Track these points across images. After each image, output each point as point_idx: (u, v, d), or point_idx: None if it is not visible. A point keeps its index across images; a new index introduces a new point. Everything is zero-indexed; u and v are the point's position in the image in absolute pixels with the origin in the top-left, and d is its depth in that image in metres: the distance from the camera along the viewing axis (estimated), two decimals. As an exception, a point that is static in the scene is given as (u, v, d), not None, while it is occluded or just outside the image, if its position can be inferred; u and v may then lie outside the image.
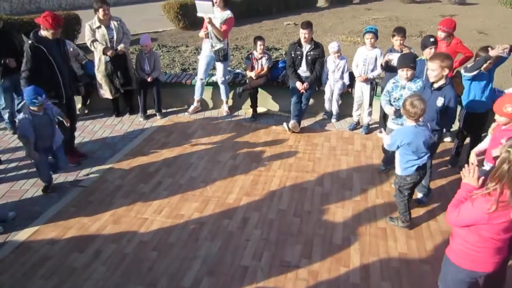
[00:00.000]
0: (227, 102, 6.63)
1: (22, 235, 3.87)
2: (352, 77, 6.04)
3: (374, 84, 5.78)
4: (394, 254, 3.57)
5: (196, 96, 6.61)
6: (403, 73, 4.29)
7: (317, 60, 5.87)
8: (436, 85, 3.90)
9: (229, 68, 7.44)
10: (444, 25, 5.12)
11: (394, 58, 5.04)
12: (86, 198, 4.43)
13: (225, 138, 5.76)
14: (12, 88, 5.78)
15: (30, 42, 4.54)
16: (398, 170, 3.75)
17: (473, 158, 3.55)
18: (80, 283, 3.31)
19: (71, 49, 6.12)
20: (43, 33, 4.59)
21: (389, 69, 5.16)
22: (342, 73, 6.01)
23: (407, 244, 3.68)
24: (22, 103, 5.99)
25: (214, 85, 6.62)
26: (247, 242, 3.73)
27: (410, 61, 4.29)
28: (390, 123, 4.56)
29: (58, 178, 4.83)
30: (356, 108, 5.95)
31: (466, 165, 2.49)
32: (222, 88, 6.48)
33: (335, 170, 4.90)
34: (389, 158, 4.70)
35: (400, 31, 5.20)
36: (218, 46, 6.15)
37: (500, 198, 2.14)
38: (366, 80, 5.62)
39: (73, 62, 6.07)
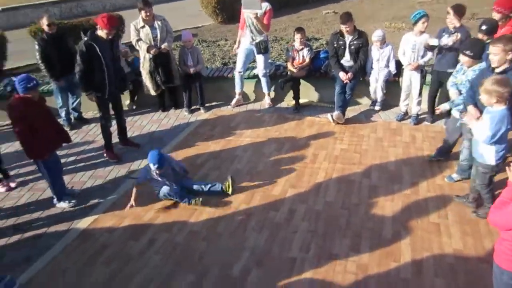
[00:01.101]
0: (269, 95, 6.65)
1: (83, 224, 4.15)
2: (399, 65, 5.86)
3: (424, 72, 5.56)
4: (449, 250, 3.46)
5: (237, 89, 6.68)
6: (461, 58, 4.13)
7: (361, 49, 5.72)
8: (498, 70, 3.67)
9: (270, 60, 7.45)
10: (499, 5, 4.81)
11: (434, 43, 4.96)
12: (138, 190, 4.62)
13: (268, 131, 5.79)
14: (67, 88, 6.12)
15: (85, 39, 4.80)
16: (492, 160, 3.51)
17: None
18: (137, 270, 3.49)
19: (122, 50, 6.37)
20: (99, 32, 4.83)
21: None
22: (388, 61, 5.83)
23: (462, 241, 3.55)
24: (77, 101, 6.36)
25: (256, 78, 6.65)
26: (294, 234, 3.76)
27: (467, 47, 4.07)
28: (454, 112, 4.35)
29: (113, 170, 5.09)
30: (404, 98, 5.77)
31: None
32: (263, 80, 6.50)
33: (383, 162, 4.80)
34: (446, 149, 4.52)
35: (458, 9, 4.89)
36: (259, 38, 6.16)
37: None
38: (417, 68, 5.42)
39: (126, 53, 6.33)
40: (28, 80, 3.97)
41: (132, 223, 4.09)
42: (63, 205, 4.43)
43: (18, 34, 11.00)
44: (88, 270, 3.54)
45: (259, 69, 6.45)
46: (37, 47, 5.71)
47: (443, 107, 4.49)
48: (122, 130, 5.57)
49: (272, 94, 6.73)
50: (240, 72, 6.51)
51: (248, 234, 3.81)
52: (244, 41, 6.36)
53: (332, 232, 3.75)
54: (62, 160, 5.26)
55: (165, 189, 4.24)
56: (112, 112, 5.38)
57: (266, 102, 6.65)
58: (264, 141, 5.51)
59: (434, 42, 5.03)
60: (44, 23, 5.72)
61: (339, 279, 3.25)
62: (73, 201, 4.45)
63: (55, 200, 4.46)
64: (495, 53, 3.58)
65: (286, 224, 3.90)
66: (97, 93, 5.03)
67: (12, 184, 4.97)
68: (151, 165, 4.10)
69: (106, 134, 5.31)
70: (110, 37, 4.87)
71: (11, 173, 5.14)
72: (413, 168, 4.65)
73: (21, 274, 3.55)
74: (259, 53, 6.28)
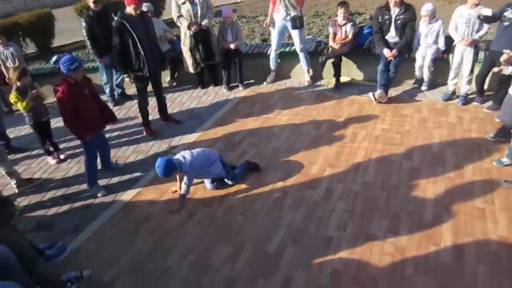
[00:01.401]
0: (308, 71, 6.52)
1: (127, 196, 4.35)
2: (448, 41, 5.53)
3: (478, 49, 5.23)
4: (493, 236, 3.34)
5: (272, 67, 6.62)
6: None
7: (408, 24, 5.44)
8: None
9: (310, 36, 7.29)
10: None
11: (487, 13, 4.68)
12: (179, 164, 4.77)
13: (307, 109, 5.73)
14: (111, 65, 6.30)
15: (116, 18, 4.88)
16: None
17: None
18: (177, 241, 3.64)
19: (161, 27, 6.45)
20: (128, 9, 4.86)
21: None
22: (437, 37, 5.53)
23: (508, 228, 3.41)
24: (121, 77, 6.55)
25: (295, 54, 6.51)
26: (331, 213, 3.76)
27: None
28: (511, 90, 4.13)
29: (154, 145, 5.25)
30: (452, 76, 5.47)
31: None
32: (301, 56, 6.36)
33: (426, 143, 4.63)
34: (506, 130, 4.31)
35: None
36: (293, 13, 5.99)
37: None
38: (471, 44, 5.11)
39: (163, 36, 6.41)
40: (71, 61, 3.99)
41: (173, 197, 4.23)
42: (94, 191, 4.48)
43: (65, 12, 11.41)
44: (132, 239, 3.74)
45: (296, 45, 6.31)
46: (84, 24, 5.88)
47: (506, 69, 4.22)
48: (162, 106, 5.69)
49: (311, 71, 6.61)
50: (276, 50, 6.44)
51: (284, 212, 3.85)
52: (277, 16, 6.19)
53: (370, 213, 3.70)
54: (107, 135, 5.49)
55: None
56: (151, 89, 5.47)
57: (306, 79, 6.54)
58: (302, 119, 5.46)
59: (487, 12, 4.71)
60: (90, 0, 5.86)
61: (375, 259, 3.23)
62: (102, 191, 4.44)
63: (86, 185, 4.55)
64: None
65: (323, 203, 3.90)
66: (137, 72, 5.09)
67: (62, 157, 5.27)
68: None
69: (143, 111, 5.44)
70: (138, 12, 4.88)
71: (61, 146, 5.43)
72: (458, 151, 4.45)
73: (70, 241, 3.81)
74: (294, 28, 6.12)
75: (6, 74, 6.11)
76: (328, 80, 6.50)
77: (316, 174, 4.33)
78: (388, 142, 4.74)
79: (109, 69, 6.37)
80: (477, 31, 5.06)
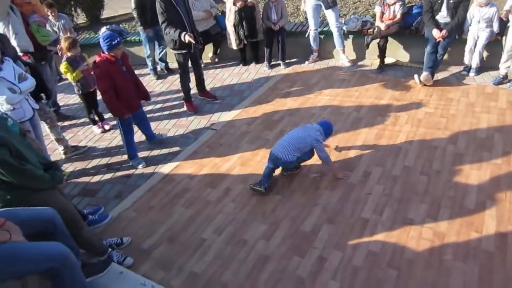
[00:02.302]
0: (343, 52, 6.37)
1: (166, 168, 4.49)
2: (502, 23, 5.19)
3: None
4: (540, 226, 3.19)
5: (314, 46, 6.53)
6: None
7: (461, 4, 5.15)
8: None
9: (356, 15, 7.08)
10: None
11: None
12: (217, 141, 4.85)
13: (348, 89, 5.61)
14: (155, 38, 6.43)
15: None
16: None
17: None
18: (213, 215, 3.73)
19: (208, 2, 6.47)
20: None
21: None
22: (490, 21, 5.19)
23: (557, 218, 3.24)
24: (163, 51, 6.67)
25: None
26: (368, 196, 3.70)
27: None
28: None
29: (194, 120, 5.36)
30: (505, 59, 5.15)
31: None
32: (336, 36, 6.22)
33: (473, 128, 4.43)
34: None
35: None
36: None
37: None
38: None
39: (208, 11, 6.43)
40: (112, 38, 3.99)
41: (211, 172, 4.32)
42: (134, 164, 4.61)
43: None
44: (171, 209, 3.88)
45: (331, 24, 6.19)
46: None
47: None
48: (200, 80, 5.76)
49: (350, 52, 6.45)
50: (315, 29, 6.32)
51: (320, 192, 3.83)
52: None
53: (409, 198, 3.62)
54: (149, 108, 5.66)
55: None
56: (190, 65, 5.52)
57: (342, 60, 6.39)
58: (343, 100, 5.36)
59: None
60: None
61: (413, 244, 3.17)
62: (142, 163, 4.57)
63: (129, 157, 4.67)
64: None
65: (361, 186, 3.84)
66: (182, 50, 5.15)
67: (106, 127, 5.50)
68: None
69: (185, 86, 5.53)
70: None
71: (106, 116, 5.63)
72: (507, 137, 4.22)
73: (113, 207, 4.00)
74: (327, 8, 6.02)
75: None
76: (371, 61, 6.32)
77: (354, 156, 4.26)
78: (431, 126, 4.57)
79: (152, 42, 6.50)
80: None
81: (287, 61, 6.65)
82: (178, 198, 4.01)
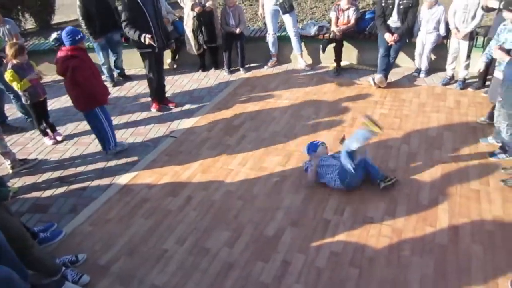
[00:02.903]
0: (301, 56, 6.48)
1: (124, 179, 4.35)
2: (448, 27, 5.48)
3: (474, 34, 5.20)
4: (488, 217, 3.35)
5: (273, 51, 6.60)
6: (505, 15, 3.88)
7: (410, 9, 5.38)
8: None
9: (313, 21, 7.22)
10: None
11: (495, 5, 4.55)
12: (177, 148, 4.77)
13: (307, 93, 5.70)
14: (107, 45, 6.25)
15: None
16: None
17: None
18: (174, 225, 3.65)
19: (164, 8, 6.38)
20: None
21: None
22: (438, 23, 5.46)
23: (503, 208, 3.42)
24: (119, 59, 6.50)
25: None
26: (329, 197, 3.76)
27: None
28: (497, 73, 4.13)
29: (153, 128, 5.25)
30: (450, 61, 5.45)
31: None
32: (293, 40, 6.32)
33: (424, 128, 4.62)
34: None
35: None
36: None
37: None
38: (465, 37, 5.12)
39: (165, 18, 6.33)
40: (75, 33, 4.04)
41: (171, 181, 4.23)
42: (117, 148, 4.72)
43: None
44: (129, 222, 3.74)
45: (289, 29, 6.30)
46: (78, 3, 5.81)
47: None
48: (160, 87, 5.66)
49: (307, 57, 6.58)
50: (274, 34, 6.39)
51: (283, 196, 3.85)
52: (268, 2, 6.18)
53: (368, 197, 3.71)
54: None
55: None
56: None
57: (300, 63, 6.50)
58: (302, 103, 5.44)
59: (494, 4, 4.61)
60: None
61: (373, 242, 3.25)
62: (124, 144, 4.76)
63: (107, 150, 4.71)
64: None
65: (322, 187, 3.89)
66: (146, 49, 5.07)
67: (59, 138, 5.23)
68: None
69: (152, 86, 5.47)
70: None
71: (58, 127, 5.40)
72: (456, 135, 4.45)
73: (67, 223, 3.81)
74: (284, 13, 6.11)
75: None
76: (328, 64, 6.46)
77: (314, 158, 4.33)
78: (386, 126, 4.70)
79: (104, 49, 6.31)
80: (473, 18, 5.01)
81: (246, 66, 6.67)
82: (137, 209, 3.89)
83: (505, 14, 4.00)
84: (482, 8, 4.85)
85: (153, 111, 5.58)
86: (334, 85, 5.83)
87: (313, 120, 5.03)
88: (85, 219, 3.83)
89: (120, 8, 5.43)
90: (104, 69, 6.48)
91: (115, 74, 6.75)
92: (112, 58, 6.55)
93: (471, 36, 5.16)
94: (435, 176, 3.87)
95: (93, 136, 4.83)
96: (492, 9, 4.79)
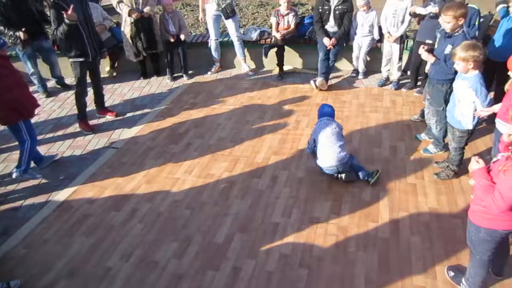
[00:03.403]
0: (245, 61, 6.52)
1: (62, 195, 4.09)
2: (381, 31, 5.78)
3: (404, 38, 5.52)
4: (424, 209, 3.56)
5: (216, 57, 6.58)
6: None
7: (346, 15, 5.61)
8: (449, 33, 3.79)
9: (254, 26, 7.30)
10: None
11: (422, 12, 4.86)
12: (119, 159, 4.58)
13: (252, 98, 5.74)
14: (35, 54, 5.88)
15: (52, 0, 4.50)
16: (469, 123, 3.52)
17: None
18: (119, 240, 3.49)
19: (100, 14, 6.13)
20: None
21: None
22: (372, 27, 5.73)
23: (437, 199, 3.65)
24: (55, 67, 6.13)
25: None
26: (276, 200, 3.79)
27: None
28: None
29: (92, 140, 5.01)
30: (385, 64, 5.75)
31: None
32: (236, 45, 6.35)
33: (364, 127, 4.82)
34: None
35: None
36: (225, 3, 5.98)
37: None
38: (396, 40, 5.42)
39: (101, 24, 6.10)
40: None
41: (113, 194, 4.05)
42: (30, 176, 4.31)
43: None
44: (69, 240, 3.52)
45: (231, 34, 6.31)
46: None
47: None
48: (99, 97, 5.41)
49: (251, 62, 6.64)
50: (216, 39, 6.37)
51: (231, 202, 3.82)
52: (210, 7, 6.17)
53: (314, 197, 3.79)
54: (39, 130, 5.15)
55: None
56: (89, 79, 5.17)
57: (243, 68, 6.53)
58: (247, 108, 5.46)
59: (421, 10, 4.91)
60: None
61: (320, 241, 3.31)
62: (39, 175, 4.34)
63: (16, 169, 4.27)
64: (447, 21, 3.70)
65: (269, 191, 3.92)
66: (78, 58, 4.80)
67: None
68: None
69: (81, 103, 5.11)
70: None
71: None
72: (392, 132, 4.69)
73: None
74: (227, 18, 6.12)
75: None
76: (271, 69, 6.55)
77: (261, 162, 4.35)
78: (329, 127, 4.86)
79: (32, 58, 5.89)
80: (402, 22, 5.32)
81: (189, 72, 6.59)
82: (77, 227, 3.67)
83: (441, 19, 4.23)
84: (410, 14, 5.16)
85: (88, 133, 5.14)
86: (278, 89, 5.92)
87: (258, 124, 5.06)
88: (18, 241, 3.54)
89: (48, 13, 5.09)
90: (34, 79, 6.07)
91: (54, 83, 6.36)
92: (48, 68, 6.18)
93: (402, 40, 5.47)
94: (376, 173, 4.04)
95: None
96: (420, 15, 5.10)
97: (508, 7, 4.38)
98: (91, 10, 5.24)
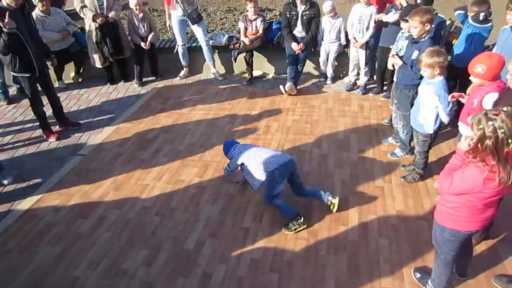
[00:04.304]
0: (214, 66, 6.52)
1: (25, 204, 3.94)
2: (347, 37, 5.92)
3: (370, 44, 5.69)
4: (392, 212, 3.65)
5: (183, 63, 6.55)
6: (402, 26, 4.35)
7: (313, 20, 5.72)
8: (416, 39, 3.91)
9: (223, 31, 7.31)
10: None
11: (388, 19, 5.00)
12: (86, 167, 4.46)
13: (222, 103, 5.73)
14: None
15: None
16: (430, 128, 3.62)
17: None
18: (87, 248, 3.39)
19: (63, 19, 5.96)
20: (4, 2, 4.25)
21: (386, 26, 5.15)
22: (339, 33, 5.87)
23: (404, 202, 3.76)
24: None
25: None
26: (247, 205, 3.80)
27: (406, 14, 4.23)
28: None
29: (57, 147, 4.85)
30: (352, 69, 5.89)
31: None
32: (205, 50, 6.31)
33: (333, 131, 4.92)
34: None
35: None
36: (190, 8, 5.95)
37: (493, 168, 2.12)
38: (362, 46, 5.56)
39: (64, 29, 5.94)
40: None
41: (80, 201, 3.94)
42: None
43: None
44: (34, 250, 3.39)
45: (199, 39, 6.28)
46: None
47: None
48: (57, 109, 5.17)
49: (220, 67, 6.65)
50: (183, 45, 6.34)
51: (201, 207, 3.80)
52: (175, 13, 6.13)
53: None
54: (0, 136, 4.96)
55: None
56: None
57: (212, 73, 6.53)
58: (217, 113, 5.45)
59: (387, 18, 5.04)
60: None
61: (291, 245, 3.34)
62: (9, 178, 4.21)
63: None
64: (414, 26, 3.81)
65: (240, 195, 3.93)
66: (25, 73, 4.58)
67: None
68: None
69: (38, 114, 4.92)
70: (20, 3, 4.29)
71: None
72: (360, 136, 4.80)
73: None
74: (193, 23, 6.09)
75: None
76: (241, 74, 6.57)
77: (231, 167, 4.34)
78: (298, 132, 4.93)
79: None
80: (367, 28, 5.47)
81: (158, 77, 6.51)
82: (42, 236, 3.54)
83: (402, 24, 4.42)
84: (375, 21, 5.32)
85: (53, 140, 4.99)
86: (247, 94, 5.95)
87: (228, 129, 5.06)
88: (-21, 253, 3.39)
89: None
90: None
91: (15, 89, 6.11)
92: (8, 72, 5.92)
93: (368, 46, 5.63)
94: (345, 177, 4.12)
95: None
96: (384, 23, 5.25)
97: (466, 14, 4.59)
98: (54, 15, 5.12)
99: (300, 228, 3.47)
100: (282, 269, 3.13)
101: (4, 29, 4.20)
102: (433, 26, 3.95)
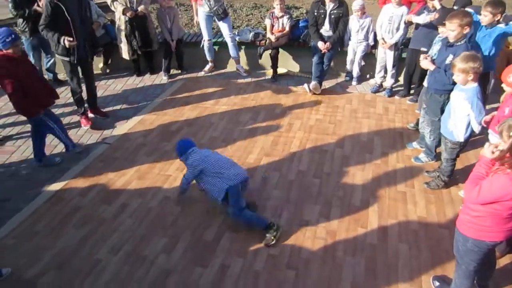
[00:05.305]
0: (239, 61, 6.56)
1: (53, 187, 4.09)
2: (376, 37, 5.85)
3: (399, 46, 5.60)
4: (413, 217, 3.61)
5: (209, 57, 6.60)
6: (440, 30, 4.26)
7: (341, 19, 5.66)
8: (451, 42, 3.77)
9: (249, 28, 7.33)
10: None
11: (419, 21, 4.92)
12: (111, 155, 4.59)
13: (245, 99, 5.77)
14: (40, 46, 5.86)
15: None
16: (461, 136, 3.54)
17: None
18: (109, 233, 3.50)
19: (95, 11, 6.10)
20: None
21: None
22: (367, 33, 5.81)
23: (426, 208, 3.71)
24: (51, 61, 6.11)
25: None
26: (267, 201, 3.83)
27: (443, 18, 4.11)
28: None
29: (85, 135, 4.99)
30: (379, 70, 5.82)
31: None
32: (230, 45, 6.35)
33: (356, 133, 4.89)
34: None
35: None
36: (216, 5, 6.01)
37: None
38: (390, 47, 5.49)
39: (95, 21, 6.08)
40: (7, 34, 3.77)
41: (105, 188, 4.05)
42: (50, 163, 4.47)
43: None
44: (60, 232, 3.53)
45: (225, 35, 6.32)
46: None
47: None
48: (92, 97, 5.35)
49: (245, 63, 6.68)
50: (209, 40, 6.40)
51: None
52: (202, 9, 6.20)
53: (304, 200, 3.83)
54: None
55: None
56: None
57: (236, 68, 6.57)
58: (240, 109, 5.49)
59: (417, 19, 4.96)
60: None
61: (308, 243, 3.36)
62: (57, 158, 4.51)
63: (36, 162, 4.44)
64: (452, 29, 3.66)
65: (260, 192, 3.96)
66: (65, 57, 4.77)
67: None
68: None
69: (76, 99, 5.11)
70: None
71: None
72: (384, 139, 4.75)
73: (-11, 236, 3.50)
74: (219, 19, 6.15)
75: None
76: (266, 71, 6.59)
77: (252, 163, 4.38)
78: (321, 131, 4.92)
79: (37, 50, 5.89)
80: (397, 29, 5.38)
81: (184, 71, 6.59)
82: (68, 219, 3.67)
83: (440, 28, 4.30)
84: (405, 22, 5.24)
85: (85, 128, 5.14)
86: (271, 91, 5.96)
87: (250, 125, 5.09)
88: (7, 232, 3.54)
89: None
90: None
91: (47, 78, 6.32)
92: (44, 60, 6.14)
93: (397, 47, 5.55)
94: (367, 179, 4.10)
95: (18, 144, 4.59)
96: (416, 24, 5.15)
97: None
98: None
99: (279, 234, 3.38)
100: (298, 267, 3.15)
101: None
102: (472, 29, 3.82)
